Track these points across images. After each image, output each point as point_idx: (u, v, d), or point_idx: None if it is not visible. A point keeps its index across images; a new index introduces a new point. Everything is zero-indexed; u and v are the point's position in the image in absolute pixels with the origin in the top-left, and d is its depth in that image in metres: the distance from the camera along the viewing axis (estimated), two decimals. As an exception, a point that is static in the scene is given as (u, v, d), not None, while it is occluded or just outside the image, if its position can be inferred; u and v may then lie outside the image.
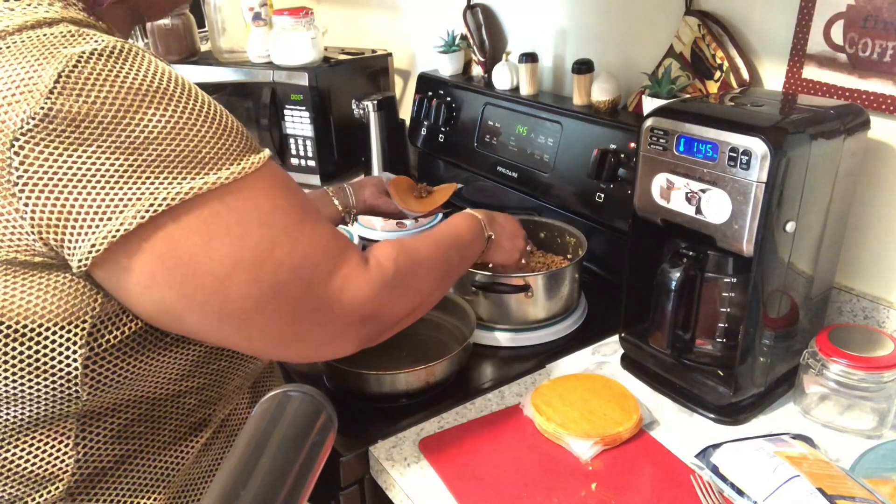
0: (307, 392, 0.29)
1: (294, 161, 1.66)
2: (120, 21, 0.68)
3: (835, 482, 0.68)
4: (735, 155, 0.74)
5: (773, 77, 1.01)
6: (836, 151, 0.80)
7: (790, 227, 0.77)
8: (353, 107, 1.59)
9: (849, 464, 0.77)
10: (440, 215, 1.42)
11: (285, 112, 1.62)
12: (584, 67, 1.23)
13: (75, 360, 0.56)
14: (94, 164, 0.51)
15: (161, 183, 0.53)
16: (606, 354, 1.01)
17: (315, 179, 1.66)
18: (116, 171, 0.51)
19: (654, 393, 0.92)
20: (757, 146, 0.73)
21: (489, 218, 0.96)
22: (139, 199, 0.52)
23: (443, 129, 1.50)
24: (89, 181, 0.51)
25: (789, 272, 0.82)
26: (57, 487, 0.61)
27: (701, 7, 1.07)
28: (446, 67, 1.53)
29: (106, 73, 0.52)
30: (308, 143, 1.62)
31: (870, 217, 0.94)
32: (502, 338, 1.05)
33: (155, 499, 0.65)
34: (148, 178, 0.52)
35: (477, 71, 1.52)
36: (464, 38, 1.52)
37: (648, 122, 0.83)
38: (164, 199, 0.53)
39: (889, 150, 0.91)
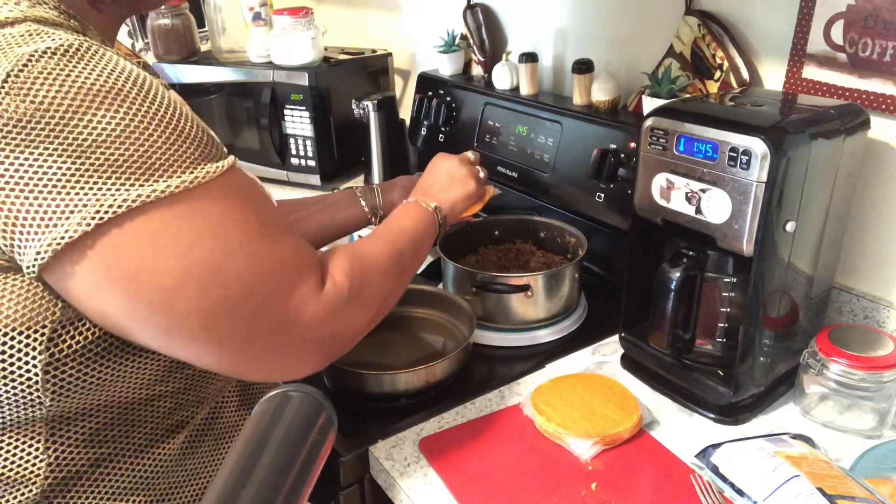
0: (307, 392, 0.29)
1: (294, 161, 1.66)
2: (112, 15, 0.66)
3: (835, 482, 0.68)
4: (735, 155, 0.74)
5: (773, 77, 1.01)
6: (836, 151, 0.80)
7: (790, 226, 0.77)
8: (353, 107, 1.59)
9: (849, 464, 0.77)
10: None
11: (285, 112, 1.62)
12: (584, 67, 1.23)
13: (35, 367, 0.54)
14: (40, 166, 0.49)
15: (108, 189, 0.50)
16: (606, 354, 1.01)
17: (315, 179, 1.66)
18: (63, 174, 0.49)
19: (654, 393, 0.92)
20: (757, 146, 0.73)
21: (422, 191, 0.93)
22: (85, 205, 0.50)
23: (443, 128, 1.50)
24: (35, 185, 0.49)
25: (789, 272, 0.82)
26: (31, 490, 0.59)
27: (701, 7, 1.07)
28: (446, 67, 1.53)
29: (56, 72, 0.50)
30: (308, 142, 1.63)
31: (870, 217, 0.94)
32: (502, 338, 1.05)
33: (135, 502, 0.64)
34: (95, 183, 0.50)
35: (477, 71, 1.52)
36: (464, 37, 1.52)
37: (648, 122, 0.83)
38: (111, 206, 0.50)
39: (889, 150, 0.91)
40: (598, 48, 1.28)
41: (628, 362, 0.98)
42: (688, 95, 1.08)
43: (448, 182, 0.95)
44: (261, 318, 0.58)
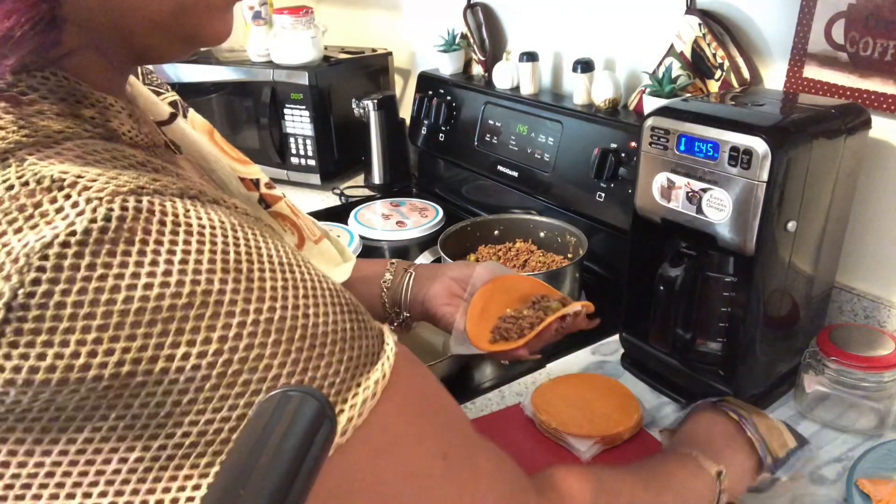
0: (307, 392, 0.29)
1: (294, 160, 1.66)
2: (96, 73, 0.40)
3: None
4: (736, 154, 0.74)
5: (773, 76, 1.01)
6: (837, 151, 0.80)
7: (791, 226, 0.77)
8: (354, 106, 1.59)
9: (849, 464, 0.77)
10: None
11: (285, 111, 1.62)
12: (584, 66, 1.23)
13: None
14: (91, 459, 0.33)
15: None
16: (607, 354, 1.01)
17: (315, 179, 1.66)
18: (137, 465, 0.33)
19: (655, 392, 0.92)
20: (758, 145, 0.72)
21: (691, 443, 0.69)
22: None
23: (443, 128, 1.50)
24: (84, 482, 0.33)
25: (790, 271, 0.81)
26: None
27: (702, 6, 1.07)
28: (446, 66, 1.53)
29: (92, 289, 0.31)
30: (308, 142, 1.62)
31: (871, 216, 0.94)
32: (502, 337, 1.04)
33: None
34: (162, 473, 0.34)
35: (477, 70, 1.52)
36: (464, 37, 1.52)
37: (649, 122, 0.83)
38: None
39: (890, 150, 0.90)
40: (598, 47, 1.28)
41: (629, 362, 0.97)
42: (689, 95, 1.08)
43: (728, 440, 0.70)
44: None
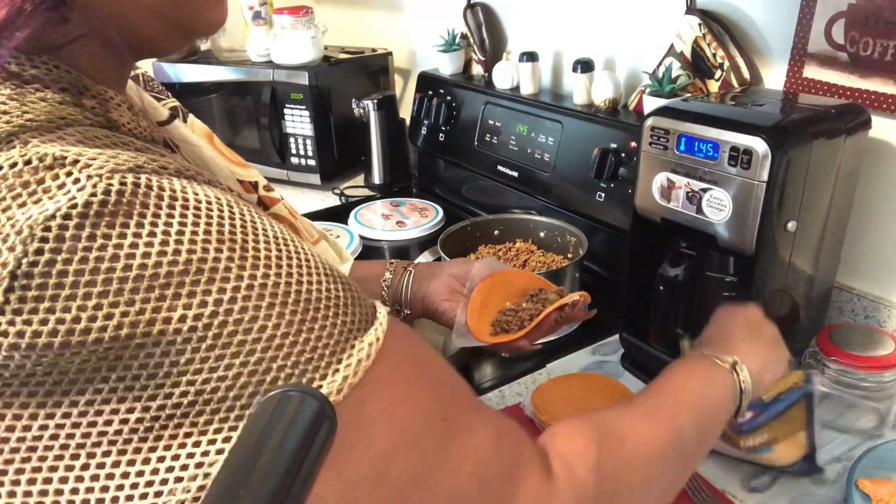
0: (307, 392, 0.29)
1: (294, 160, 1.66)
2: (96, 66, 0.41)
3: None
4: (736, 154, 0.74)
5: (774, 76, 1.01)
6: (836, 151, 0.80)
7: (791, 226, 0.77)
8: (354, 106, 1.59)
9: (849, 464, 0.77)
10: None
11: (285, 111, 1.62)
12: (584, 66, 1.23)
13: None
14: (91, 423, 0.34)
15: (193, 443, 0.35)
16: (607, 354, 1.01)
17: (315, 179, 1.66)
18: (137, 428, 0.34)
19: (655, 392, 0.92)
20: (758, 145, 0.72)
21: (711, 342, 0.66)
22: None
23: (443, 128, 1.50)
24: (85, 445, 0.34)
25: (790, 271, 0.81)
26: None
27: (702, 6, 1.07)
28: (446, 66, 1.53)
29: (92, 258, 0.32)
30: (308, 142, 1.62)
31: (871, 216, 0.94)
32: (502, 337, 1.04)
33: None
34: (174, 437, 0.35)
35: (477, 70, 1.52)
36: (464, 37, 1.52)
37: (649, 122, 0.83)
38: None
39: (890, 150, 0.90)
40: (598, 47, 1.28)
41: (629, 362, 0.97)
42: (689, 95, 1.08)
43: (749, 333, 0.67)
44: None
